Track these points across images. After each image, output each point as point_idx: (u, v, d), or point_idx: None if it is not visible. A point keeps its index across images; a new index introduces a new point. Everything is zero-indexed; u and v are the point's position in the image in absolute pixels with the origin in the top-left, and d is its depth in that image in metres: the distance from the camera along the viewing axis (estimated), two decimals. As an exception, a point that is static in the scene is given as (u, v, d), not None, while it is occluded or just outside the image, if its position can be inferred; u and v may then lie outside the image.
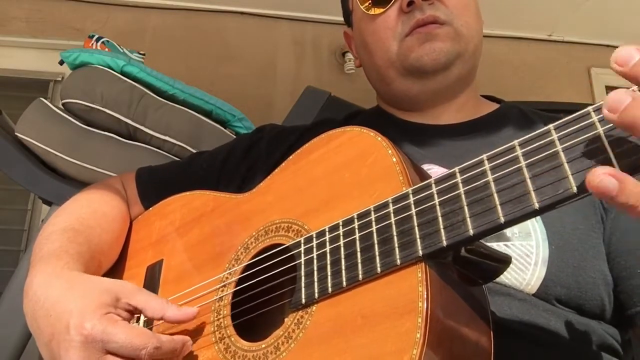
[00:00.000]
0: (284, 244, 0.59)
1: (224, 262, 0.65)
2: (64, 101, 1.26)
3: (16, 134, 1.23)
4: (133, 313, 0.62)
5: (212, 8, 2.59)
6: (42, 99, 1.28)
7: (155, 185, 0.87)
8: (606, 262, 0.68)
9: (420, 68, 0.78)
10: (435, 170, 0.72)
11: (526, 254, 0.64)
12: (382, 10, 0.81)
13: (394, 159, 0.53)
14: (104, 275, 0.77)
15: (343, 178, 0.57)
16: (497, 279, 0.52)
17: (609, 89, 2.80)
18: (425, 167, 0.72)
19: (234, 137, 1.33)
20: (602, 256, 0.68)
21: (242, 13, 2.62)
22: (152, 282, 0.73)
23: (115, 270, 0.80)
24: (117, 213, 0.82)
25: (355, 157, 0.57)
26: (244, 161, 0.86)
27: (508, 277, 0.64)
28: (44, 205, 1.57)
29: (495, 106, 0.86)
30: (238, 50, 2.57)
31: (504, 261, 0.50)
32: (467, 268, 0.49)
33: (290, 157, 0.66)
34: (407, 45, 0.78)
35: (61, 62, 1.33)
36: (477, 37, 0.81)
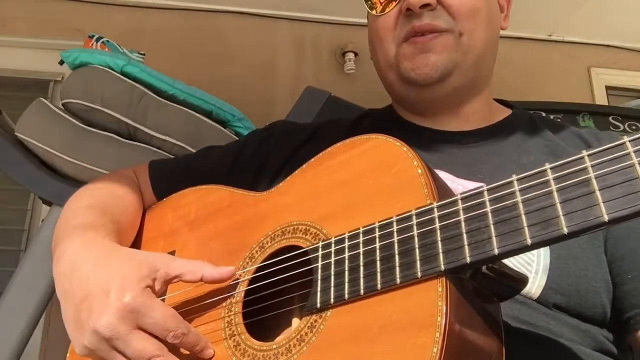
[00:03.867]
0: (301, 247, 0.58)
1: (237, 259, 0.65)
2: (64, 101, 1.26)
3: (16, 134, 1.23)
4: (169, 283, 0.62)
5: (211, 8, 2.59)
6: (42, 99, 1.28)
7: (167, 177, 0.87)
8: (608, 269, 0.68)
9: (412, 80, 0.76)
10: (442, 176, 0.72)
11: (527, 262, 0.64)
12: (382, 10, 0.79)
13: (419, 171, 0.53)
14: None
15: (366, 185, 0.57)
16: None
17: (609, 89, 2.81)
18: None
19: (234, 137, 1.33)
20: (604, 264, 0.68)
21: (241, 13, 2.62)
22: None
23: None
24: (132, 199, 0.82)
25: (379, 165, 0.57)
26: (255, 157, 0.86)
27: None
28: (44, 205, 1.57)
29: (506, 112, 0.84)
30: (238, 50, 2.57)
31: (522, 282, 0.51)
32: (485, 285, 0.49)
33: (311, 160, 0.65)
34: (402, 52, 0.77)
35: (61, 62, 1.33)
36: (481, 48, 0.77)
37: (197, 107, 1.34)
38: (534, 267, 0.64)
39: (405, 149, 0.56)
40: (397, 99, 0.86)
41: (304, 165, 0.66)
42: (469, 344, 0.47)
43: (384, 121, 0.88)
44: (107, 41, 1.54)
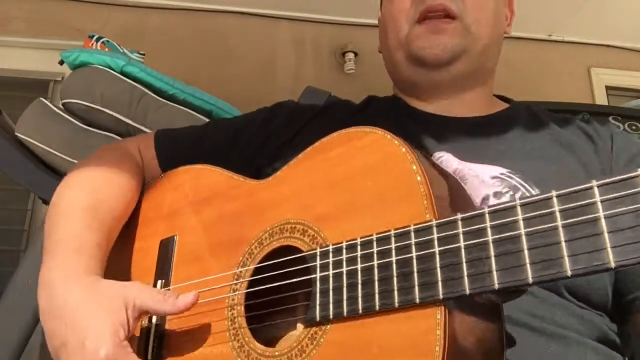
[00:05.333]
0: (299, 249, 0.58)
1: (238, 254, 0.65)
2: (64, 101, 1.26)
3: (16, 134, 1.23)
4: (142, 314, 0.63)
5: (212, 8, 2.59)
6: (42, 99, 1.28)
7: (173, 151, 0.87)
8: None
9: (421, 59, 0.79)
10: (447, 158, 0.73)
11: None
12: None
13: (419, 178, 0.51)
14: (118, 243, 0.78)
15: (364, 186, 0.56)
16: None
17: (609, 89, 2.80)
18: (437, 155, 0.74)
19: (234, 137, 1.33)
20: None
21: (242, 13, 2.61)
22: (165, 260, 0.73)
23: (128, 240, 0.80)
24: (128, 183, 0.80)
25: (377, 165, 0.56)
26: (259, 133, 0.86)
27: None
28: (44, 205, 1.57)
29: (505, 105, 0.87)
30: (238, 50, 2.57)
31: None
32: (489, 293, 0.48)
33: (308, 149, 0.64)
34: (416, 32, 0.80)
35: (61, 62, 1.33)
36: (487, 39, 0.81)
37: (197, 107, 1.34)
38: None
39: (404, 149, 0.54)
40: (401, 80, 0.88)
41: (300, 155, 0.65)
42: None
43: (388, 106, 0.89)
44: (107, 41, 1.54)
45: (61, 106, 1.28)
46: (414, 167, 0.52)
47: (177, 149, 0.87)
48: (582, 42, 2.87)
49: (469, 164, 0.72)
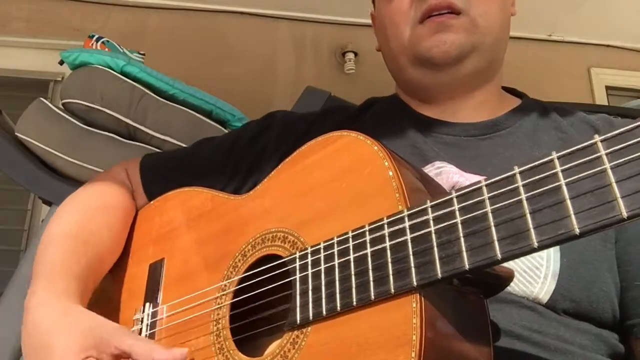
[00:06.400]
0: (280, 255, 0.58)
1: (222, 268, 0.65)
2: (64, 101, 1.26)
3: (16, 134, 1.23)
4: (120, 357, 0.59)
5: (212, 8, 2.59)
6: (42, 99, 1.28)
7: (159, 175, 0.85)
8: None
9: (430, 60, 0.73)
10: (447, 169, 0.70)
11: (535, 267, 0.63)
12: None
13: (390, 173, 0.51)
14: (110, 271, 0.77)
15: (339, 188, 0.56)
16: (506, 289, 0.51)
17: (609, 89, 2.81)
18: (437, 164, 0.71)
19: (234, 137, 1.33)
20: (615, 267, 0.66)
21: (242, 13, 2.62)
22: (154, 282, 0.73)
23: (119, 267, 0.79)
24: (120, 208, 0.80)
25: (351, 167, 0.56)
26: (251, 149, 0.83)
27: (516, 289, 0.62)
28: (44, 205, 1.57)
29: (516, 102, 0.81)
30: (238, 50, 2.57)
31: (507, 278, 0.50)
32: (468, 285, 0.48)
33: (287, 159, 0.64)
34: (419, 33, 0.74)
35: (61, 62, 1.33)
36: (498, 30, 0.75)
37: (197, 107, 1.34)
38: (542, 272, 0.62)
39: (376, 148, 0.54)
40: (407, 85, 0.82)
41: (280, 166, 0.65)
42: (449, 357, 0.46)
43: (391, 110, 0.84)
44: (107, 41, 1.54)
45: (61, 106, 1.28)
46: (386, 164, 0.52)
47: (163, 179, 0.84)
48: (582, 42, 2.88)
49: (471, 176, 0.69)
